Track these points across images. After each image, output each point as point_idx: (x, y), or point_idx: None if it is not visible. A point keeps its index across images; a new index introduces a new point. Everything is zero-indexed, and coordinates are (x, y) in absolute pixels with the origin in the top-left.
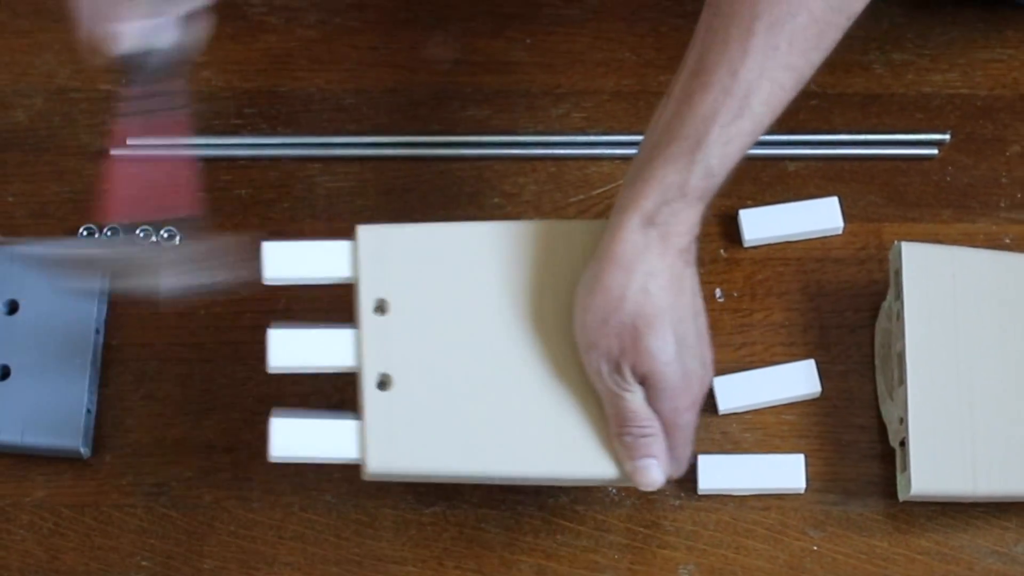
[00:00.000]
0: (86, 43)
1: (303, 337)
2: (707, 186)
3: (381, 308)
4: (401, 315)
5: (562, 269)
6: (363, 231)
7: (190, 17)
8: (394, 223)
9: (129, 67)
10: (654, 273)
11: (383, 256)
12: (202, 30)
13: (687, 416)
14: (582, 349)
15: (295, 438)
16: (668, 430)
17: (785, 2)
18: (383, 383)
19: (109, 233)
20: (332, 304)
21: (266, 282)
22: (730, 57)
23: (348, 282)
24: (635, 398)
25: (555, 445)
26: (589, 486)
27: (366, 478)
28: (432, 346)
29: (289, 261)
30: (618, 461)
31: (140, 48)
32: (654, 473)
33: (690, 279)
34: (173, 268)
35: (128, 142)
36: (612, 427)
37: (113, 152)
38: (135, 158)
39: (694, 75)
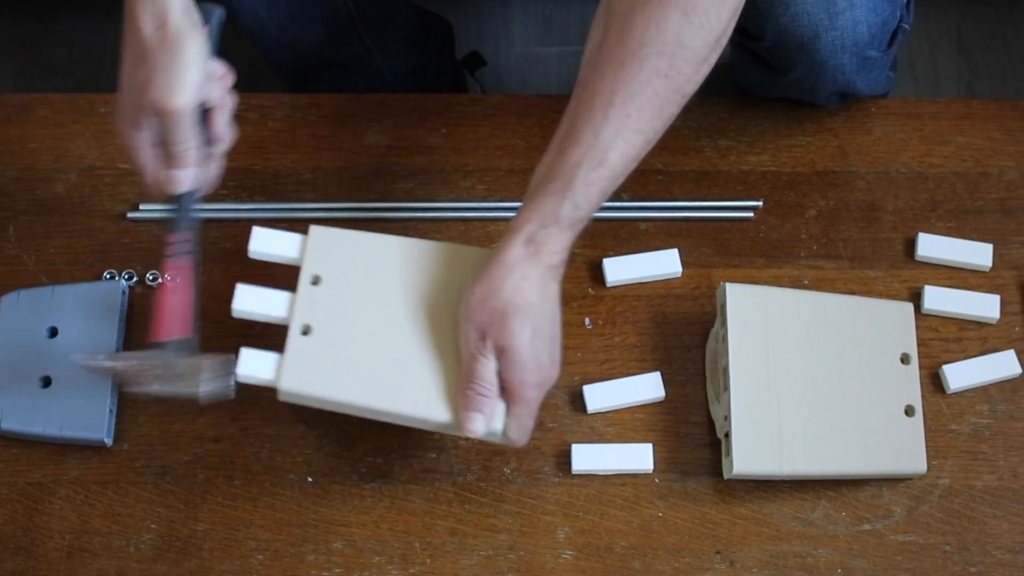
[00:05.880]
0: (151, 185)
1: (256, 293)
2: (575, 217)
3: (316, 281)
4: (330, 288)
5: (455, 277)
6: (314, 229)
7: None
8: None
9: (177, 206)
10: (528, 277)
11: (326, 248)
12: (220, 170)
13: (532, 392)
14: (461, 320)
15: (245, 361)
16: (514, 400)
17: (636, 82)
18: (305, 331)
19: (126, 277)
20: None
21: (250, 255)
22: (594, 121)
23: (298, 264)
24: (487, 364)
25: (417, 395)
26: (442, 431)
27: (280, 397)
28: (348, 312)
29: (264, 241)
30: (454, 409)
31: (191, 188)
32: (478, 424)
33: (554, 292)
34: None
35: (141, 207)
36: (461, 383)
37: (130, 215)
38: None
39: (567, 135)
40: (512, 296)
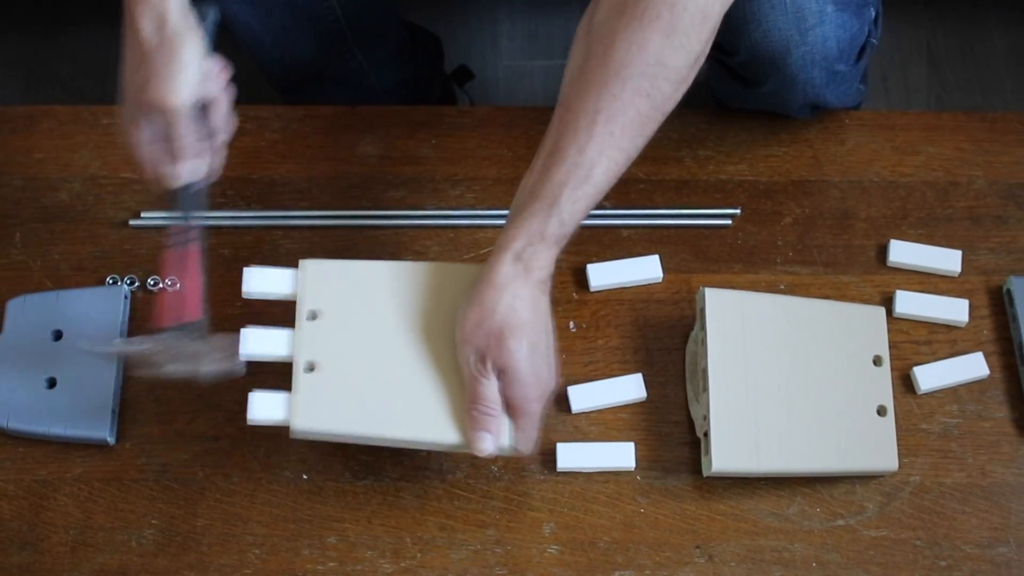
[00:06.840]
0: (151, 180)
1: (259, 335)
2: (561, 233)
3: (313, 316)
4: (328, 321)
5: (447, 295)
6: (304, 263)
7: (214, 151)
8: (328, 259)
9: (177, 199)
10: (519, 295)
11: (318, 280)
12: (222, 160)
13: (535, 406)
14: (458, 345)
15: (255, 405)
16: (518, 415)
17: (619, 101)
18: (310, 368)
19: (128, 282)
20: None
21: (244, 295)
22: (578, 140)
23: (293, 299)
24: (489, 384)
25: (426, 420)
26: (454, 452)
27: (292, 436)
28: (349, 344)
29: (257, 281)
30: (463, 430)
31: (190, 181)
32: (487, 443)
33: (545, 305)
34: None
35: (143, 215)
36: (467, 404)
37: (132, 223)
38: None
39: (551, 154)
40: (506, 316)
